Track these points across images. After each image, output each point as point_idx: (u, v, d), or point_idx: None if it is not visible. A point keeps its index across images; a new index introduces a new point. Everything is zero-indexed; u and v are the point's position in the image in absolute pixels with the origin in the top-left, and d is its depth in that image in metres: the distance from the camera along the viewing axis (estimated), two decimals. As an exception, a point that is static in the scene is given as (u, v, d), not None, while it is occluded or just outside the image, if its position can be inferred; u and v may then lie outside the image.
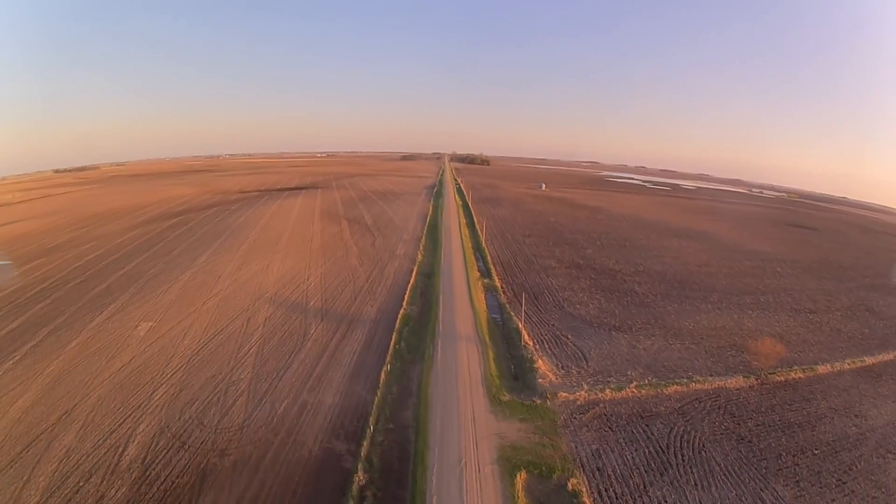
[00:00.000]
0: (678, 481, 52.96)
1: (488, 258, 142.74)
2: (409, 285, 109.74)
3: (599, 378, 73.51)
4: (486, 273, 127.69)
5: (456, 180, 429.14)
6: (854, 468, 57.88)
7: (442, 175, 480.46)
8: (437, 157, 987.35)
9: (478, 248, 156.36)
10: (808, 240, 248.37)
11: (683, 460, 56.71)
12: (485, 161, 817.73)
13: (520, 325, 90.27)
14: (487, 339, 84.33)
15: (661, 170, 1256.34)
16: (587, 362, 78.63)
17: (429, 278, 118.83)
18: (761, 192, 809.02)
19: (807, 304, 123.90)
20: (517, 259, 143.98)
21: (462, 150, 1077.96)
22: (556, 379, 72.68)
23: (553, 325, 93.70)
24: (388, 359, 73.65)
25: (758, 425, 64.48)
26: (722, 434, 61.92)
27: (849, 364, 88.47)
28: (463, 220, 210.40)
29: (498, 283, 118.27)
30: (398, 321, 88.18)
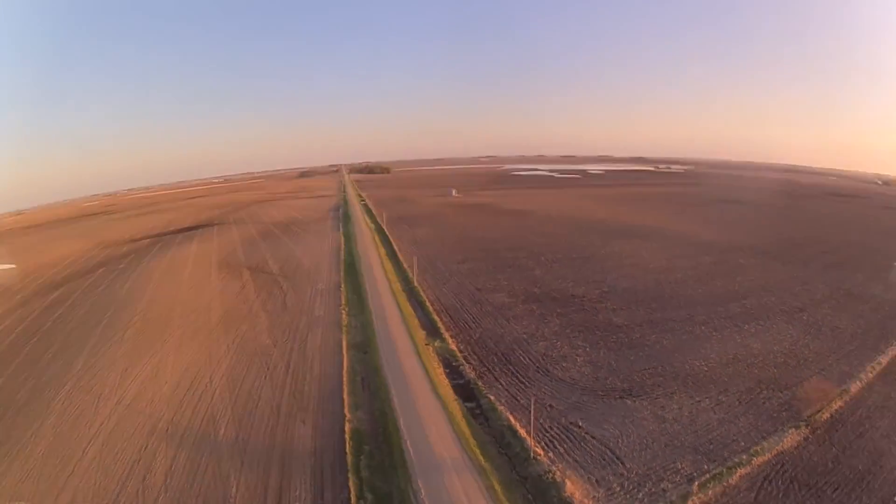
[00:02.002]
0: None
1: (427, 304, 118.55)
2: (344, 370, 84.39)
3: (652, 489, 54.48)
4: (431, 329, 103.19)
5: (360, 196, 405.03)
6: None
7: (345, 192, 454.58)
8: (336, 171, 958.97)
9: (410, 291, 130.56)
10: (744, 216, 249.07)
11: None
12: (385, 169, 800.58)
13: (511, 420, 68.13)
14: (480, 456, 60.84)
15: (561, 156, 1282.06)
16: (624, 464, 58.57)
17: (365, 353, 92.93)
18: (668, 168, 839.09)
19: (792, 301, 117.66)
20: (461, 299, 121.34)
21: (360, 160, 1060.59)
22: (601, 510, 51.66)
23: (551, 405, 72.01)
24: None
25: (835, 490, 55.21)
26: (810, 518, 50.93)
27: (870, 371, 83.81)
28: (382, 251, 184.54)
29: (453, 345, 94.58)
30: (348, 447, 62.78)
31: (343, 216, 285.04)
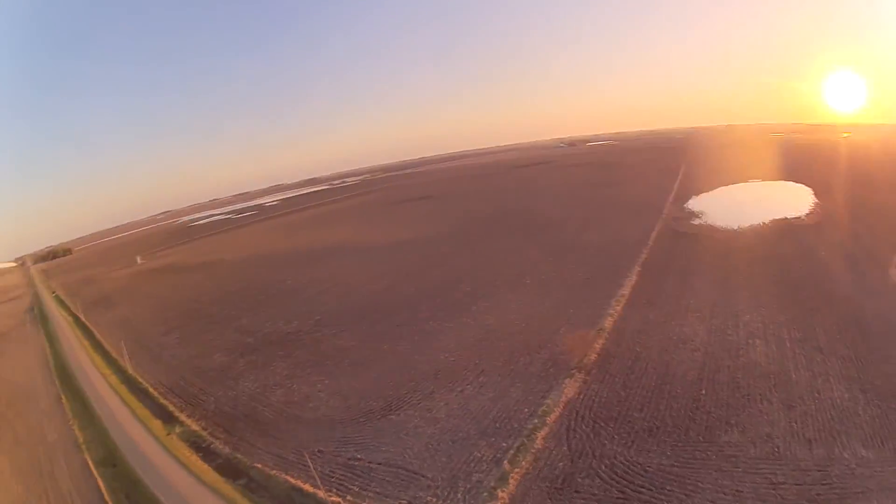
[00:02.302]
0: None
1: (150, 389, 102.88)
2: (105, 494, 69.18)
3: (467, 485, 53.65)
4: (165, 416, 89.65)
5: (51, 287, 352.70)
6: (741, 383, 61.62)
7: (34, 286, 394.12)
8: (22, 263, 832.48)
9: (129, 381, 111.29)
10: (434, 209, 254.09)
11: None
12: (67, 251, 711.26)
13: (291, 480, 61.76)
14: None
15: (233, 195, 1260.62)
16: (425, 476, 56.67)
17: (115, 466, 77.40)
18: (343, 182, 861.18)
19: (509, 271, 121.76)
20: (183, 374, 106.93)
21: (42, 245, 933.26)
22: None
23: (320, 450, 66.57)
24: None
25: (640, 410, 59.67)
26: (636, 443, 54.42)
27: (616, 305, 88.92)
28: (87, 343, 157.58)
29: (194, 426, 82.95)
30: None
31: (40, 315, 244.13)
